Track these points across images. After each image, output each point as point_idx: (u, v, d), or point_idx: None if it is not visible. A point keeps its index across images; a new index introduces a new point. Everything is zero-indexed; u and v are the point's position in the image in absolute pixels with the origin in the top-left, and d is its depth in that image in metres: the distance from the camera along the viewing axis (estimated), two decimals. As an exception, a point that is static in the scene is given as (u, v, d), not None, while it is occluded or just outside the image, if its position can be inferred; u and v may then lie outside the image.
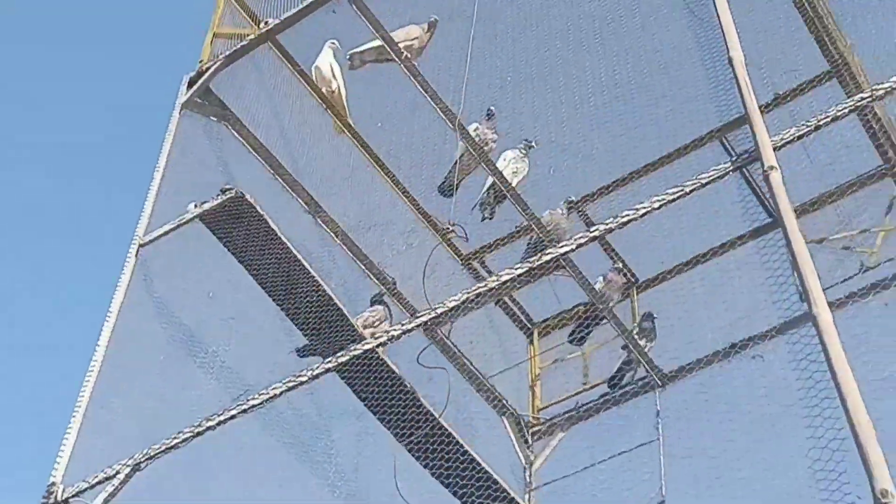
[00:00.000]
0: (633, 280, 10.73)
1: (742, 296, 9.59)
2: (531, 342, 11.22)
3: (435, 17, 9.44)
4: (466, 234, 9.71)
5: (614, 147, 9.04)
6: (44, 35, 26.58)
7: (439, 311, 7.96)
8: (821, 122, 6.41)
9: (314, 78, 10.53)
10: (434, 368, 8.32)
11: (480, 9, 8.50)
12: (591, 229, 7.52)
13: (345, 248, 10.31)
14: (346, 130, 10.62)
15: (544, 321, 11.28)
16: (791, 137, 6.37)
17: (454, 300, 7.88)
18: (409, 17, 9.41)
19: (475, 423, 10.27)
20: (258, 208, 8.85)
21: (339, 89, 10.52)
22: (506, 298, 10.98)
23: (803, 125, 6.45)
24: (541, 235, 10.07)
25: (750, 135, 6.74)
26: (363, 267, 10.36)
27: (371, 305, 9.59)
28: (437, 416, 8.95)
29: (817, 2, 8.84)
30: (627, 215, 7.07)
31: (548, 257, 7.51)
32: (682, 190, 6.70)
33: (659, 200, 6.66)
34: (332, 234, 10.25)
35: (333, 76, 10.51)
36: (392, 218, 10.65)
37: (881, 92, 6.95)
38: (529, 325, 11.27)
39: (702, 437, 9.16)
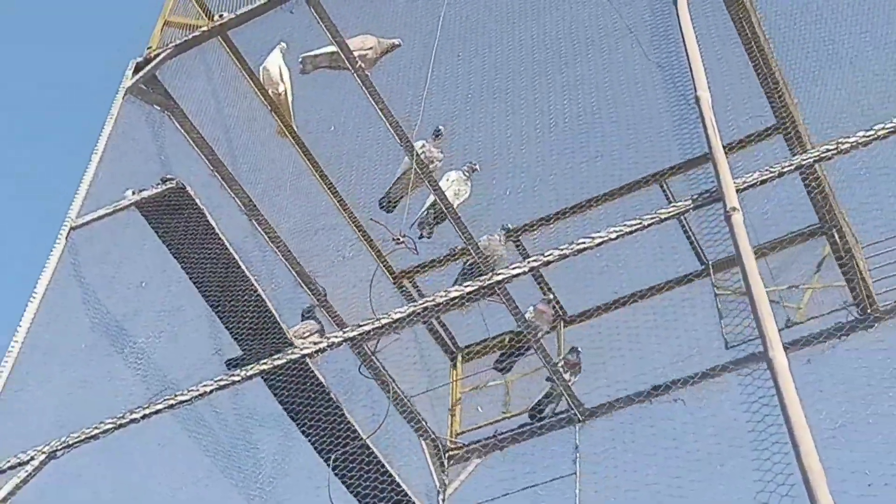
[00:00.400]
0: (561, 313, 10.72)
1: (669, 338, 9.62)
2: (454, 366, 11.14)
3: (400, 41, 9.34)
4: (416, 247, 9.58)
5: (569, 176, 9.00)
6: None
7: (368, 327, 7.81)
8: (784, 170, 6.46)
9: (261, 78, 10.37)
10: (370, 379, 8.15)
11: (444, 25, 8.39)
12: (530, 260, 7.40)
13: (278, 253, 10.13)
14: (288, 134, 10.46)
15: (469, 346, 11.20)
16: (754, 181, 6.40)
17: (384, 318, 7.75)
18: (368, 27, 9.27)
19: (394, 442, 10.13)
20: (198, 202, 8.66)
21: (285, 92, 10.37)
22: (433, 320, 10.88)
23: (766, 170, 6.49)
24: (477, 260, 10.00)
25: (707, 175, 6.80)
26: (295, 274, 10.19)
27: (303, 319, 9.43)
28: (360, 432, 8.84)
29: (769, 55, 8.95)
30: (568, 248, 7.03)
31: (485, 282, 7.41)
32: (639, 223, 6.69)
33: (616, 231, 6.62)
34: (266, 238, 10.06)
35: (281, 78, 10.36)
36: (329, 228, 10.49)
37: (831, 152, 6.99)
38: (454, 349, 11.18)
39: (623, 474, 9.15)
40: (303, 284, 10.25)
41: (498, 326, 10.90)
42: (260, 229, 10.04)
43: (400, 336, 9.01)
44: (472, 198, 10.11)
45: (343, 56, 8.99)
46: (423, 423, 10.34)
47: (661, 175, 10.01)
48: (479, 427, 10.55)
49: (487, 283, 7.04)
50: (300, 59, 9.82)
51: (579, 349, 10.28)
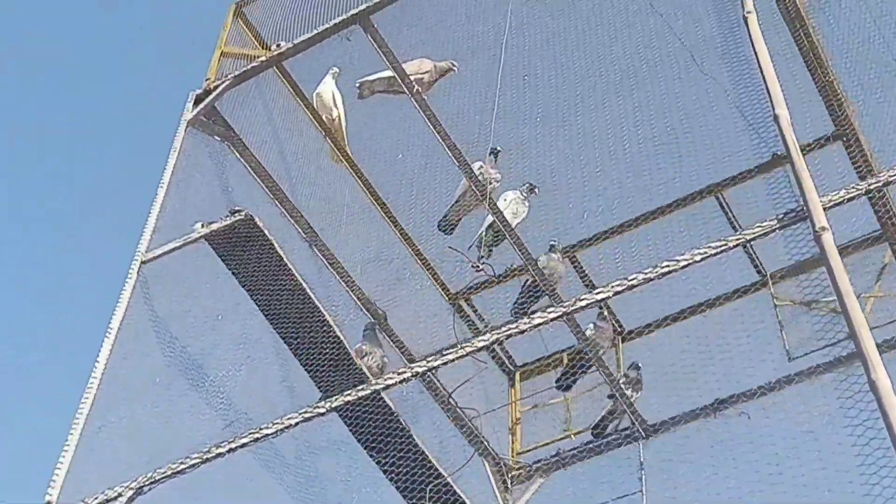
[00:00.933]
0: (620, 329, 10.70)
1: (731, 352, 9.58)
2: (512, 385, 11.11)
3: (455, 64, 9.34)
4: (494, 272, 9.58)
5: (625, 193, 8.97)
6: (55, 36, 25.94)
7: (437, 363, 7.73)
8: (871, 186, 6.44)
9: (315, 104, 10.39)
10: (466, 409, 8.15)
11: (506, 48, 8.41)
12: (596, 292, 7.32)
13: (338, 277, 10.13)
14: (342, 159, 10.46)
15: (526, 365, 11.18)
16: (840, 199, 6.38)
17: (451, 353, 7.65)
18: (426, 50, 9.29)
19: (456, 462, 10.12)
20: (266, 233, 8.66)
21: (339, 117, 10.37)
22: (492, 341, 10.85)
23: (853, 187, 6.46)
24: (536, 279, 9.98)
25: (765, 186, 6.79)
26: (355, 299, 10.18)
27: (364, 332, 9.43)
28: (428, 455, 8.86)
29: (828, 66, 8.92)
30: (652, 271, 6.98)
31: (553, 316, 7.34)
32: (724, 244, 6.67)
33: (701, 254, 6.61)
34: (326, 262, 10.06)
35: (334, 104, 10.38)
36: (386, 250, 10.50)
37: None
38: (512, 368, 11.16)
39: (689, 491, 9.11)
40: (363, 308, 10.25)
41: (554, 344, 10.90)
42: (320, 255, 10.04)
43: (486, 366, 9.01)
44: (530, 217, 10.09)
45: (399, 80, 8.98)
46: (486, 443, 10.32)
47: (717, 187, 9.99)
48: (541, 446, 10.53)
49: (571, 309, 7.01)
50: (357, 84, 9.84)
51: (639, 364, 10.26)
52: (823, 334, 9.67)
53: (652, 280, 6.84)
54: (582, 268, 10.64)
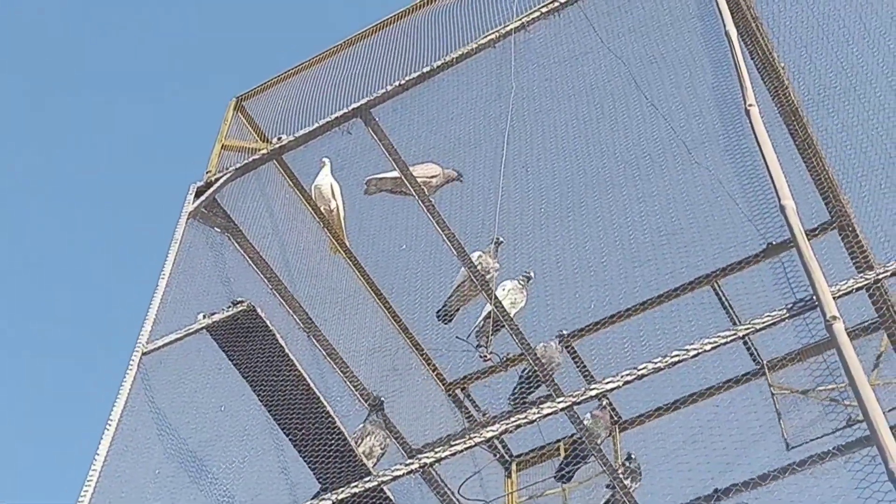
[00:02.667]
0: (617, 418, 10.54)
1: (728, 441, 9.43)
2: (509, 475, 10.89)
3: (461, 175, 9.36)
4: (500, 359, 9.46)
5: (622, 282, 8.89)
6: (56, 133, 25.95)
7: (445, 453, 7.52)
8: (880, 276, 6.38)
9: (313, 196, 10.34)
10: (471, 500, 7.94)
11: (509, 140, 8.40)
12: (605, 381, 7.15)
13: (335, 367, 9.98)
14: (340, 250, 10.37)
15: (522, 455, 10.97)
16: (849, 289, 6.31)
17: (459, 444, 7.45)
18: (427, 143, 9.27)
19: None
20: (269, 324, 8.50)
21: (337, 209, 10.31)
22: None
23: (861, 277, 6.40)
24: (535, 367, 9.86)
25: (762, 274, 6.72)
26: (351, 388, 10.01)
27: (368, 414, 9.25)
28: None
29: (823, 158, 8.93)
30: (661, 360, 6.86)
31: (562, 406, 7.17)
32: (734, 334, 6.57)
33: (711, 343, 6.50)
34: (324, 352, 9.91)
35: (333, 195, 10.32)
36: (383, 341, 10.37)
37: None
38: (508, 458, 10.95)
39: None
40: (359, 398, 10.08)
41: (549, 433, 10.72)
42: (318, 345, 9.90)
43: (494, 458, 8.83)
44: (528, 306, 10.00)
45: (407, 183, 8.96)
46: (486, 535, 10.10)
47: (713, 276, 9.92)
48: (541, 536, 10.31)
49: (581, 398, 6.87)
50: (365, 181, 9.78)
51: (632, 454, 10.09)
52: (823, 422, 9.60)
53: (661, 370, 6.72)
54: (578, 356, 10.51)
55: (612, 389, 6.78)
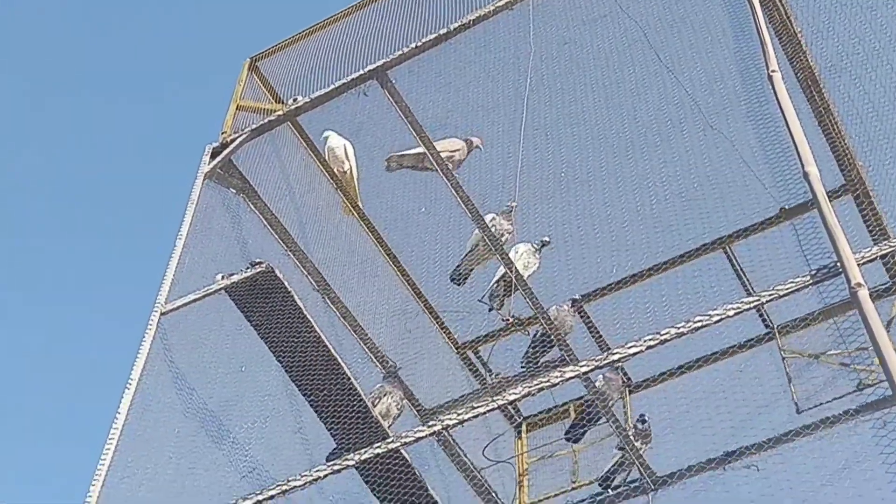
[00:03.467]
0: (628, 381, 10.55)
1: (738, 404, 9.46)
2: (519, 436, 10.92)
3: (482, 144, 9.32)
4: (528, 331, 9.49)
5: (636, 246, 8.88)
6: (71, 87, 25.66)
7: (468, 415, 7.54)
8: (905, 244, 6.37)
9: (327, 157, 10.29)
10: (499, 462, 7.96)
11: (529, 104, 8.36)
12: (629, 345, 7.13)
13: (350, 329, 9.97)
14: (354, 212, 10.34)
15: (532, 416, 10.99)
16: (873, 256, 6.30)
17: (466, 411, 7.46)
18: (445, 106, 9.22)
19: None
20: (287, 285, 8.49)
21: (351, 170, 10.26)
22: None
23: (886, 245, 6.39)
24: (547, 329, 9.86)
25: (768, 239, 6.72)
26: (366, 350, 10.02)
27: (385, 375, 9.29)
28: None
29: (839, 122, 8.90)
30: (686, 326, 6.87)
31: (586, 369, 7.21)
32: (757, 300, 6.57)
33: (734, 308, 6.51)
34: (338, 314, 9.90)
35: (346, 157, 10.27)
36: (396, 302, 10.37)
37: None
38: (518, 419, 10.97)
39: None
40: (374, 359, 10.09)
41: (560, 394, 10.74)
42: (332, 307, 9.89)
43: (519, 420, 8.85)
44: (543, 270, 9.98)
45: (431, 159, 8.91)
46: (495, 495, 10.13)
47: (725, 240, 9.90)
48: (549, 497, 10.34)
49: (604, 362, 6.89)
50: (386, 158, 9.75)
51: (646, 416, 10.10)
52: (834, 387, 9.62)
53: (684, 335, 6.73)
54: (590, 320, 10.51)
55: (635, 354, 6.79)
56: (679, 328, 6.71)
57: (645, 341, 6.75)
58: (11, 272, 24.78)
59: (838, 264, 6.33)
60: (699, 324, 6.65)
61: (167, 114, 26.90)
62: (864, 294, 6.11)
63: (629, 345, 6.82)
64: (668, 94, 8.08)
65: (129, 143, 26.61)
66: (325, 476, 7.11)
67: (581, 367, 6.91)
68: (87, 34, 26.52)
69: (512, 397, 7.10)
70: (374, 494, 8.63)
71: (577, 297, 10.20)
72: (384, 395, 8.82)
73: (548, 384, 6.90)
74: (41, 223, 25.44)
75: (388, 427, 8.82)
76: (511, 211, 9.70)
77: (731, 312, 6.61)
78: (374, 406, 8.69)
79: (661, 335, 6.71)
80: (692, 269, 9.97)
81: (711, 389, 9.50)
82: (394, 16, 9.78)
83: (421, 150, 9.19)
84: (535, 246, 9.99)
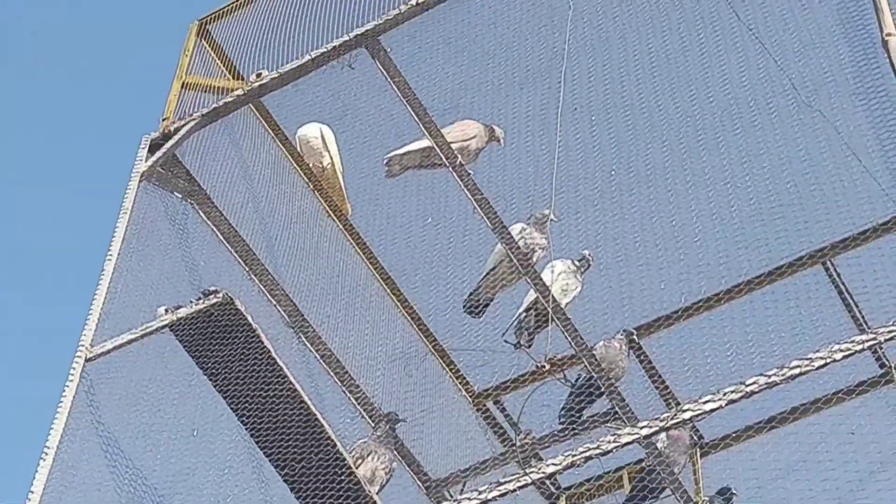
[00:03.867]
0: (698, 438, 10.53)
1: (848, 466, 9.42)
2: (556, 513, 10.89)
3: (501, 134, 9.30)
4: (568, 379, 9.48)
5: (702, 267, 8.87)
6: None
7: (491, 494, 7.48)
8: None
9: (299, 149, 10.28)
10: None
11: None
12: (703, 401, 7.08)
13: (332, 374, 9.97)
14: (336, 219, 10.35)
15: (574, 487, 10.95)
16: None
17: (489, 489, 7.39)
18: (453, 83, 9.21)
19: None
20: (250, 320, 8.47)
21: (332, 165, 10.26)
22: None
23: None
24: (593, 373, 9.85)
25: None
26: (355, 403, 10.00)
27: (375, 427, 9.37)
28: None
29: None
30: (760, 381, 6.86)
31: (626, 440, 7.13)
32: (873, 339, 6.54)
33: (842, 350, 6.47)
34: (317, 354, 9.89)
35: (325, 147, 10.27)
36: (391, 337, 10.37)
37: None
38: (554, 491, 10.94)
39: None
40: (361, 412, 10.08)
41: (611, 458, 10.70)
42: (309, 345, 9.87)
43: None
44: (584, 294, 9.97)
45: (438, 151, 8.90)
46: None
47: (826, 254, 9.85)
48: None
49: (670, 423, 6.86)
50: (385, 160, 9.75)
51: (732, 489, 10.06)
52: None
53: (776, 385, 6.69)
54: (648, 358, 10.48)
55: (713, 411, 6.76)
56: (769, 376, 6.67)
57: (725, 394, 6.71)
58: None
59: None
60: (796, 370, 6.61)
61: (89, 93, 26.47)
62: None
63: (704, 399, 6.78)
64: (751, 65, 8.05)
65: (38, 131, 26.24)
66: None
67: (641, 428, 6.87)
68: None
69: (551, 469, 7.06)
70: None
71: (632, 329, 10.19)
72: (368, 455, 8.80)
73: (597, 451, 6.86)
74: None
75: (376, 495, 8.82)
76: (545, 220, 9.68)
77: (839, 356, 6.57)
78: (356, 468, 8.66)
79: (747, 386, 6.68)
80: (783, 293, 9.93)
81: (811, 449, 9.47)
82: (388, -37, 9.77)
83: (426, 143, 9.16)
84: (576, 264, 9.99)
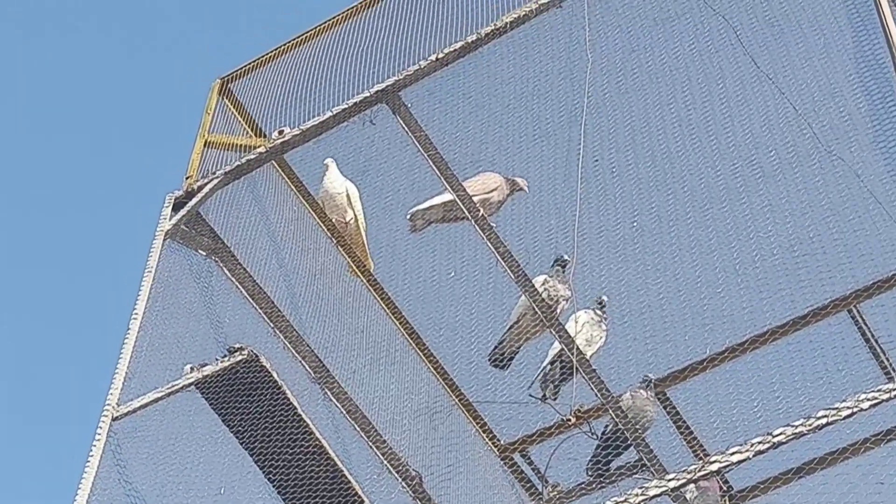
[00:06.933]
0: (727, 488, 10.49)
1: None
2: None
3: (526, 186, 9.35)
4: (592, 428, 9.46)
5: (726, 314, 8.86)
6: None
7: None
8: None
9: (322, 204, 10.31)
10: None
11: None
12: (731, 452, 7.11)
13: (359, 429, 9.96)
14: (360, 275, 10.37)
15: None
16: None
17: None
18: (475, 138, 9.25)
19: None
20: (276, 377, 8.52)
21: (355, 220, 10.29)
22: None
23: None
24: (620, 424, 9.83)
25: None
26: (380, 455, 9.99)
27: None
28: None
29: None
30: (787, 432, 6.87)
31: (654, 493, 7.16)
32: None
33: (869, 400, 6.48)
34: (344, 412, 9.90)
35: (349, 203, 10.30)
36: (417, 396, 10.37)
37: None
38: (583, 549, 10.90)
39: None
40: (390, 469, 10.07)
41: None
42: (336, 403, 9.88)
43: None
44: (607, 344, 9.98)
45: (460, 205, 8.95)
46: None
47: (850, 300, 9.82)
48: None
49: (699, 474, 6.86)
50: (408, 215, 9.77)
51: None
52: None
53: (804, 435, 6.69)
54: (674, 408, 10.46)
55: (740, 462, 6.76)
56: (796, 427, 6.68)
57: (752, 445, 6.71)
58: None
59: None
60: (823, 420, 6.60)
61: (112, 153, 26.47)
62: None
63: (731, 451, 6.78)
64: (770, 112, 8.07)
65: (62, 193, 26.23)
66: None
67: (669, 481, 6.86)
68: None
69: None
70: None
71: (654, 378, 10.16)
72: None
73: (640, 500, 6.86)
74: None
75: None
76: (565, 269, 9.68)
77: (866, 405, 6.57)
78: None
79: (774, 437, 6.68)
80: (808, 342, 9.90)
81: (839, 499, 9.40)
82: (407, 20, 9.84)
83: (448, 196, 9.20)
84: (598, 314, 9.99)
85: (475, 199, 9.26)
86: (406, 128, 9.27)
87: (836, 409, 6.67)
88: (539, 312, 9.65)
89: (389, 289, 10.32)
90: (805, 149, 7.80)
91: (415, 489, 10.01)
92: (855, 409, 6.63)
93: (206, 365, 8.53)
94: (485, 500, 10.37)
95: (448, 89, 9.44)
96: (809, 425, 6.66)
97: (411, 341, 10.42)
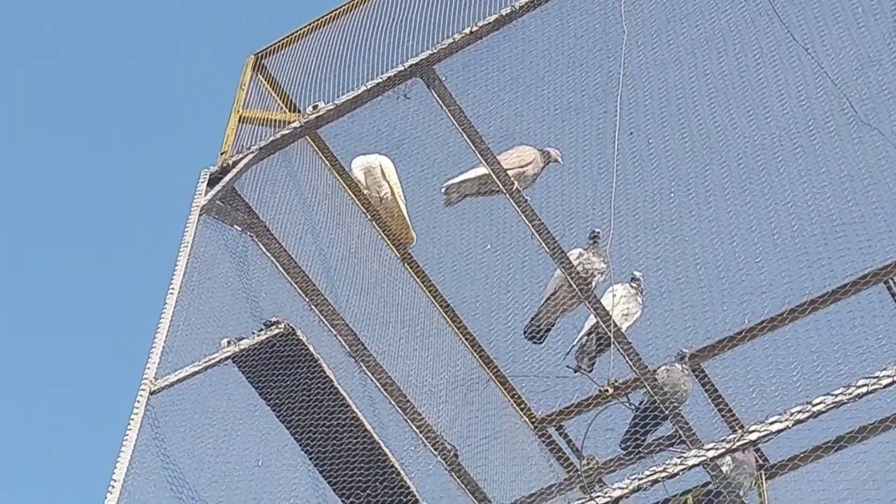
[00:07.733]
0: (763, 461, 10.46)
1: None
2: (620, 541, 10.82)
3: (558, 155, 9.31)
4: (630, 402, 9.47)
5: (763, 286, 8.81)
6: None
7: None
8: None
9: (356, 179, 10.29)
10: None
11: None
12: (770, 422, 7.06)
13: (394, 404, 9.96)
14: (395, 250, 10.36)
15: (638, 514, 10.89)
16: None
17: None
18: (510, 111, 9.22)
19: None
20: (312, 350, 8.53)
21: (391, 193, 10.26)
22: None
23: None
24: (656, 398, 9.80)
25: None
26: (417, 431, 10.00)
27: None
28: None
29: None
30: (827, 401, 6.83)
31: (692, 462, 7.14)
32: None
33: (866, 385, 6.45)
34: (379, 385, 9.90)
35: (384, 177, 10.27)
36: (453, 369, 10.37)
37: None
38: (618, 518, 10.87)
39: None
40: (425, 443, 10.08)
41: (675, 483, 10.64)
42: (371, 376, 9.88)
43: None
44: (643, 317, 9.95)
45: (495, 178, 8.91)
46: None
47: (887, 272, 9.76)
48: None
49: (737, 444, 6.83)
50: (443, 189, 9.79)
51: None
52: None
53: (843, 404, 6.66)
54: (710, 382, 10.43)
55: (779, 432, 6.73)
56: (836, 395, 6.64)
57: (792, 414, 6.67)
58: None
59: None
60: (864, 388, 6.57)
61: (148, 129, 26.67)
62: None
63: (770, 420, 6.75)
64: (807, 83, 8.02)
65: (101, 170, 26.43)
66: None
67: (708, 450, 6.84)
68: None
69: (617, 493, 7.04)
70: None
71: (692, 351, 10.13)
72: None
73: (663, 474, 6.85)
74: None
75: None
76: (597, 241, 9.65)
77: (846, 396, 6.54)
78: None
79: (814, 406, 6.64)
80: (847, 312, 9.84)
81: (880, 468, 9.36)
82: (441, -7, 9.81)
83: (483, 170, 9.17)
84: (634, 287, 9.96)
85: (510, 172, 9.24)
86: (440, 101, 9.24)
87: (877, 377, 6.63)
88: (574, 286, 9.63)
89: (424, 263, 10.32)
90: (843, 119, 7.75)
91: (450, 462, 10.03)
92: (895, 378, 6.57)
93: (243, 338, 8.54)
94: (520, 474, 10.36)
95: (483, 63, 9.42)
96: (850, 394, 6.62)
97: (446, 315, 10.43)
